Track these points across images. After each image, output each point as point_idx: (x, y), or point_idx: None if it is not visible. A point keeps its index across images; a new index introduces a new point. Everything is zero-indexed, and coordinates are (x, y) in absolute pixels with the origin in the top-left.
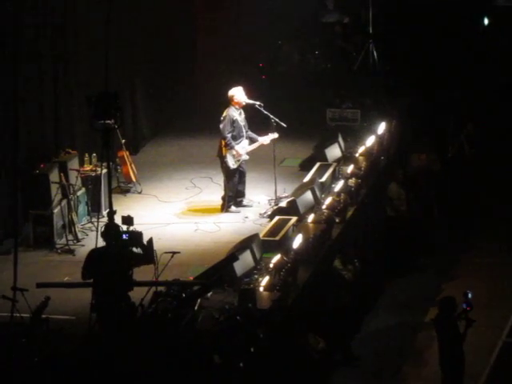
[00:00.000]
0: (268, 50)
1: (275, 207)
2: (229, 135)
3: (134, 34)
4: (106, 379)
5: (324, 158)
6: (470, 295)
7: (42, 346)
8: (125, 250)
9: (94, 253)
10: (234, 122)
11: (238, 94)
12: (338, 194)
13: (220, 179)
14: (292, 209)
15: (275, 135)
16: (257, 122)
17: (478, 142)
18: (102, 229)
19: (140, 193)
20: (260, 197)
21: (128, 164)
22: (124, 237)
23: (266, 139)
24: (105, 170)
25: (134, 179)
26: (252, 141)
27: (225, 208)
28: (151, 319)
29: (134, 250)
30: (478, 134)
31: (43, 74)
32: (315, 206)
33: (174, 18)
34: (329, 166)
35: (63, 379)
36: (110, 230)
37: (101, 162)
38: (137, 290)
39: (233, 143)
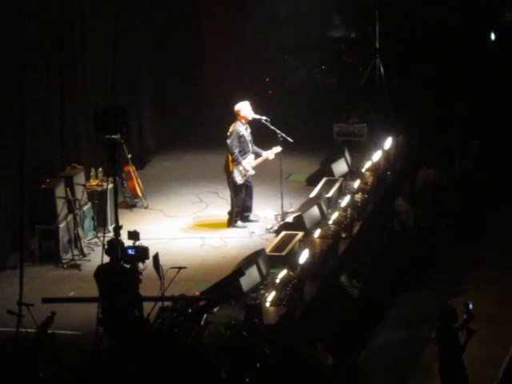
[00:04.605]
0: (274, 64)
1: (281, 222)
2: (236, 150)
3: (141, 48)
4: None
5: (330, 173)
6: (470, 306)
7: (48, 361)
8: (130, 265)
9: (100, 269)
10: (240, 137)
11: (244, 108)
12: (345, 209)
13: (226, 194)
14: (298, 224)
15: (279, 149)
16: (263, 137)
17: (484, 159)
18: (106, 246)
19: (146, 208)
20: (266, 212)
21: (134, 179)
22: (130, 252)
23: (270, 153)
24: (111, 185)
25: (140, 194)
26: (257, 155)
27: (231, 223)
28: (157, 334)
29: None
30: (485, 150)
31: (49, 87)
32: (322, 221)
33: (182, 33)
34: (335, 181)
35: None
36: (115, 246)
37: (107, 176)
38: (143, 305)
39: (240, 159)
